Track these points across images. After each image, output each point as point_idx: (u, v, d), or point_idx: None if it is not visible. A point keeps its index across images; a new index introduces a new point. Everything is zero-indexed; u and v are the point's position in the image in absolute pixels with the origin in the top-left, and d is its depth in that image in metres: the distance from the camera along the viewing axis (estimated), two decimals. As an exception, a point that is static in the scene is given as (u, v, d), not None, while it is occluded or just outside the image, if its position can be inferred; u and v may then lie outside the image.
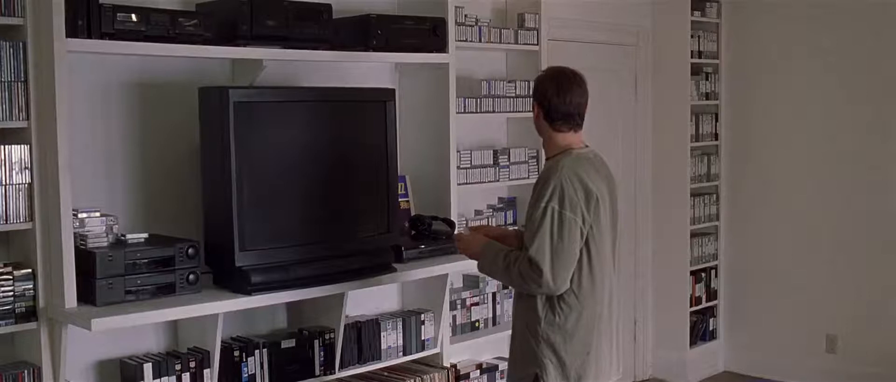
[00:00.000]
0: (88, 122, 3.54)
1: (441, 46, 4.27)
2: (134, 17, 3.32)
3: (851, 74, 5.74)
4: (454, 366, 4.49)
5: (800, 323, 6.02)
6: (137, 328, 3.56)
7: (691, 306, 6.17)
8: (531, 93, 3.32)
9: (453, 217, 4.35)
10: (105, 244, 3.38)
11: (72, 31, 3.20)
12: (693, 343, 6.21)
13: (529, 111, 4.85)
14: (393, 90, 4.14)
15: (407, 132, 4.40)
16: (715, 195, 6.33)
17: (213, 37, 3.52)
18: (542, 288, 3.09)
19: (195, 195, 3.70)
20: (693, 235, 6.14)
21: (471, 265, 4.37)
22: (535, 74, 4.92)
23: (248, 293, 3.53)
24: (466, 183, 4.57)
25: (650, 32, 6.08)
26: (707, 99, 6.21)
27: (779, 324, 6.11)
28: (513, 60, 5.07)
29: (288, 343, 3.89)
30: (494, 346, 4.77)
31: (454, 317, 4.60)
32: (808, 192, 5.95)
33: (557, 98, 3.22)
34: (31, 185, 3.27)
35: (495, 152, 4.75)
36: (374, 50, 4.03)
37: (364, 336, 4.13)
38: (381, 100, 3.99)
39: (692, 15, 5.98)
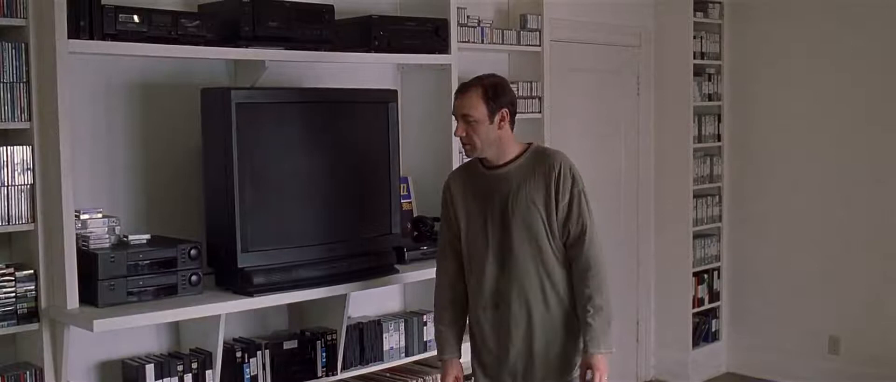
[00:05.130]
0: (90, 123, 3.54)
1: (443, 47, 4.26)
2: (136, 17, 3.32)
3: (853, 74, 5.73)
4: (456, 367, 4.48)
5: (802, 324, 6.01)
6: (139, 329, 3.56)
7: (694, 307, 6.16)
8: (495, 100, 3.22)
9: (455, 218, 4.35)
10: (107, 244, 3.38)
11: (74, 32, 3.20)
12: (695, 344, 6.21)
13: (533, 113, 4.92)
14: (395, 91, 4.13)
15: (409, 133, 4.40)
16: (717, 197, 6.32)
17: (214, 38, 3.52)
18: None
19: (197, 196, 3.70)
20: (695, 236, 6.14)
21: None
22: (537, 76, 4.99)
23: (251, 294, 3.53)
24: (468, 184, 4.56)
25: (652, 33, 6.07)
26: (709, 100, 6.20)
27: (781, 325, 6.11)
28: (515, 60, 5.07)
29: (290, 344, 3.89)
30: (497, 347, 4.76)
31: (456, 318, 4.59)
32: (810, 193, 5.94)
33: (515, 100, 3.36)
34: (32, 186, 3.27)
35: (497, 153, 4.74)
36: (376, 51, 4.03)
37: (366, 337, 4.13)
38: (383, 101, 3.98)
39: (694, 16, 5.97)
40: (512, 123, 3.30)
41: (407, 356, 4.27)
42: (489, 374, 3.40)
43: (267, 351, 3.81)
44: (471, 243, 3.35)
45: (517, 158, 3.30)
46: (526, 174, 3.27)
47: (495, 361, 3.36)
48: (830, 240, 5.88)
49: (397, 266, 3.99)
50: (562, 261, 3.29)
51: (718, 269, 6.36)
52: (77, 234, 3.29)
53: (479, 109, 3.22)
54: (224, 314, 3.51)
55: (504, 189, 3.28)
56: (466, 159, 4.53)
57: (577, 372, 3.32)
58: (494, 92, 3.25)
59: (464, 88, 3.29)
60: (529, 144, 3.37)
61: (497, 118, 3.24)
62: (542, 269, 3.27)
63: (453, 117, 3.33)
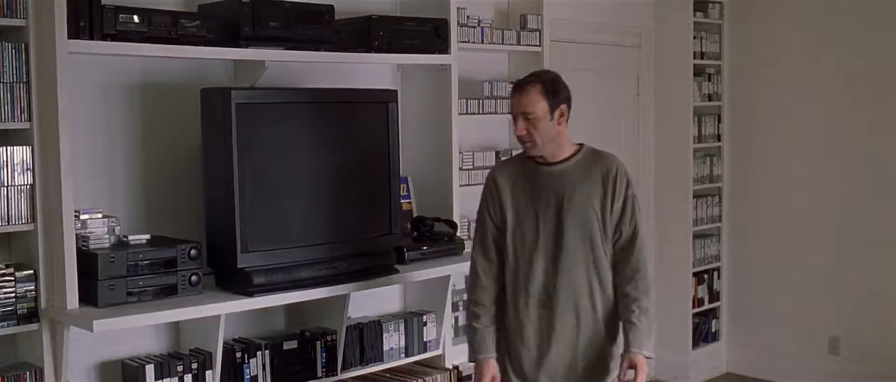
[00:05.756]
0: (90, 123, 3.54)
1: (443, 47, 4.26)
2: (136, 18, 3.32)
3: (853, 75, 5.73)
4: (456, 368, 4.48)
5: (802, 325, 6.01)
6: (139, 329, 3.56)
7: (694, 307, 6.16)
8: (554, 96, 3.17)
9: (455, 219, 4.35)
10: (107, 245, 3.38)
11: (74, 33, 3.20)
12: (695, 344, 6.20)
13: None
14: (395, 91, 4.13)
15: (409, 133, 4.40)
16: (717, 197, 6.32)
17: (215, 38, 3.52)
18: None
19: (197, 197, 3.70)
20: (695, 236, 6.13)
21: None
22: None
23: (250, 294, 3.53)
24: (468, 184, 4.56)
25: (652, 33, 6.07)
26: (709, 100, 6.20)
27: (781, 326, 6.10)
28: (515, 61, 5.07)
29: (290, 345, 3.89)
30: (496, 347, 4.76)
31: (456, 319, 4.60)
32: (810, 193, 5.94)
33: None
34: (32, 186, 3.27)
35: (497, 154, 4.74)
36: (376, 51, 4.03)
37: (366, 338, 4.13)
38: (383, 101, 3.98)
39: (694, 16, 5.97)
40: (567, 120, 3.24)
41: (407, 356, 4.27)
42: (522, 374, 3.31)
43: (267, 352, 3.81)
44: (517, 238, 3.27)
45: (572, 156, 3.26)
46: (583, 174, 3.23)
47: (532, 361, 3.29)
48: (830, 240, 5.87)
49: (397, 266, 3.99)
50: (611, 263, 3.27)
51: (718, 269, 6.35)
52: (77, 234, 3.29)
53: (539, 106, 3.16)
54: (224, 314, 3.51)
55: (561, 187, 3.23)
56: (466, 160, 4.57)
57: (613, 375, 3.29)
58: (553, 88, 3.19)
59: (522, 85, 3.21)
60: (581, 144, 3.31)
61: (556, 114, 3.18)
62: (594, 269, 3.24)
63: (511, 116, 3.25)
